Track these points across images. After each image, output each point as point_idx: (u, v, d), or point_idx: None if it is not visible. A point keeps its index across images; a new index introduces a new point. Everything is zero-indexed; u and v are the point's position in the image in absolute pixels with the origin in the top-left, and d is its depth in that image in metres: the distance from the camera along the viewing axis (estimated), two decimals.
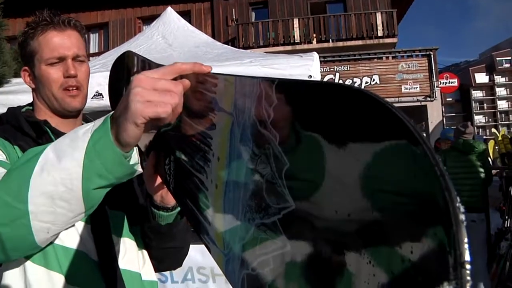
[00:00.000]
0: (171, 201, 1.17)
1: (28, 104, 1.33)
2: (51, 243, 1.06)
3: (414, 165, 0.37)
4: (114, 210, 1.26)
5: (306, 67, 3.20)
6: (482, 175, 5.08)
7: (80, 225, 1.18)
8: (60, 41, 1.23)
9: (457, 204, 0.33)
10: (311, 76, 3.13)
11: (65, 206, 0.79)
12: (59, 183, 0.76)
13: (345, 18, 17.07)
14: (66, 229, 1.03)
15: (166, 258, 1.36)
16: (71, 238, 1.15)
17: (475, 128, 48.61)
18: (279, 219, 0.59)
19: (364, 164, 0.42)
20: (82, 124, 1.30)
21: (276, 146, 0.58)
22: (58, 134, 1.20)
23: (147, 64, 1.12)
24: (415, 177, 0.37)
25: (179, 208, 1.20)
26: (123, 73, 1.40)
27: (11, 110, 1.28)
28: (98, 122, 0.77)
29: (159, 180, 1.18)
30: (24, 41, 1.25)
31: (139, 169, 0.96)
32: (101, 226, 1.22)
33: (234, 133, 0.70)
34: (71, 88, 1.24)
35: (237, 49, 5.25)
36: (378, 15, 16.92)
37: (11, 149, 1.12)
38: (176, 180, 1.06)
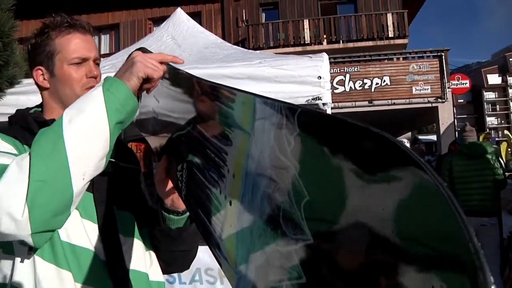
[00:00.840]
0: (181, 205, 1.21)
1: (37, 106, 1.33)
2: (60, 240, 1.09)
3: (444, 227, 0.36)
4: (121, 211, 1.27)
5: (315, 68, 3.18)
6: (492, 177, 5.00)
7: (88, 224, 1.19)
8: (84, 44, 1.27)
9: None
10: (320, 77, 3.11)
11: (96, 145, 0.94)
12: (90, 125, 0.93)
13: (356, 19, 17.02)
14: (74, 227, 1.11)
15: (175, 261, 1.37)
16: (79, 237, 1.16)
17: (487, 130, 48.11)
18: (295, 250, 0.57)
19: (389, 209, 0.41)
20: None
21: (296, 176, 0.57)
22: None
23: None
24: (445, 239, 0.36)
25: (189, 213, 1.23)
26: None
27: (19, 111, 1.29)
28: (100, 83, 1.00)
29: (170, 184, 1.23)
30: (43, 41, 1.25)
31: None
32: (109, 226, 1.23)
33: (252, 154, 0.70)
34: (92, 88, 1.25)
35: (246, 50, 5.24)
36: (389, 16, 16.84)
37: (21, 147, 1.12)
38: (188, 188, 1.06)
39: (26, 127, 1.20)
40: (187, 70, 3.51)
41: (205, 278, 3.47)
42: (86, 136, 0.92)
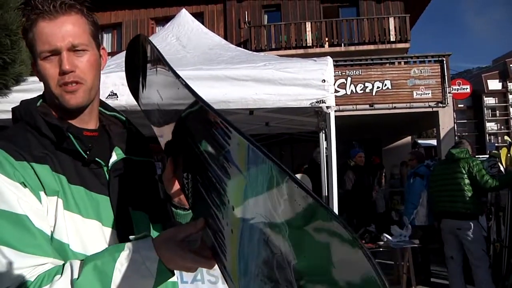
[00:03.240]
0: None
1: (39, 96, 1.22)
2: (73, 252, 1.05)
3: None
4: (136, 211, 1.24)
5: (320, 71, 3.20)
6: (463, 181, 5.19)
7: (107, 232, 1.13)
8: (50, 31, 1.08)
9: None
10: (324, 81, 3.14)
11: None
12: None
13: (358, 23, 17.06)
14: (92, 237, 1.09)
15: None
16: (96, 247, 1.09)
17: (487, 135, 48.11)
18: None
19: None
20: (101, 118, 1.26)
21: (286, 237, 0.60)
22: (81, 139, 1.14)
23: (159, 57, 1.14)
24: None
25: None
26: (139, 57, 1.39)
27: (24, 104, 1.18)
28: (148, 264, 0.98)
29: (177, 185, 1.18)
30: (24, 34, 1.13)
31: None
32: (126, 231, 1.16)
33: (248, 196, 0.71)
34: (68, 83, 1.11)
35: (250, 51, 5.27)
36: (391, 20, 16.90)
37: (28, 173, 1.04)
38: (194, 200, 1.07)
39: (34, 126, 1.11)
40: (192, 71, 3.53)
41: (207, 277, 3.49)
42: None
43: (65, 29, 1.09)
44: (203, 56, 4.35)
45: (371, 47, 16.52)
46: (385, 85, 12.15)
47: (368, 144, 14.35)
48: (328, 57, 3.35)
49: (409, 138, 17.13)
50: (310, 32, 16.85)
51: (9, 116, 3.78)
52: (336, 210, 3.26)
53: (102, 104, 1.30)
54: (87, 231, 1.09)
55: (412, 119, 13.57)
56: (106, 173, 1.17)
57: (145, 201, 1.27)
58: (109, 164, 1.17)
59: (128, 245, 0.99)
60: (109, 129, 1.26)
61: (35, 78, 3.93)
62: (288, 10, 18.10)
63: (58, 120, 1.14)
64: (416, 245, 5.79)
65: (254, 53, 5.30)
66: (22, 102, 1.20)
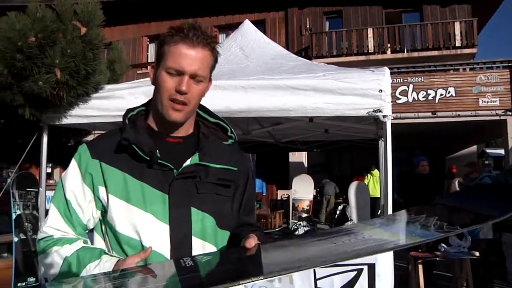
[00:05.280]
0: None
1: (142, 104, 1.47)
2: (123, 237, 1.33)
3: None
4: (201, 212, 1.37)
5: (377, 81, 3.31)
6: None
7: (159, 225, 1.32)
8: (185, 56, 1.30)
9: None
10: (381, 90, 3.24)
11: None
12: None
13: (421, 28, 16.66)
14: (147, 229, 1.33)
15: None
16: (148, 239, 1.31)
17: None
18: None
19: None
20: (201, 125, 1.48)
21: None
22: (160, 146, 1.34)
23: None
24: None
25: None
26: None
27: (124, 113, 1.42)
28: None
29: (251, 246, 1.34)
30: (160, 43, 1.36)
31: None
32: (181, 228, 1.34)
33: None
34: (177, 102, 1.32)
35: (311, 61, 5.43)
36: (457, 25, 16.33)
37: (96, 169, 1.35)
38: None
39: (132, 150, 1.34)
40: (254, 81, 3.79)
41: None
42: None
43: (195, 59, 1.31)
44: (265, 66, 4.55)
45: (435, 53, 16.07)
46: (449, 92, 11.85)
47: (430, 153, 14.00)
48: (386, 67, 3.45)
49: (474, 148, 16.50)
50: (372, 39, 16.67)
51: (89, 120, 4.20)
52: None
53: (208, 112, 1.51)
54: (140, 221, 1.32)
55: (477, 128, 13.11)
56: (174, 174, 1.35)
57: (215, 206, 1.39)
58: (181, 168, 1.35)
59: (103, 257, 1.28)
60: (203, 136, 1.46)
61: (112, 86, 4.33)
62: (350, 16, 18.00)
63: (138, 132, 1.36)
64: (475, 257, 5.67)
65: (315, 63, 5.45)
66: (128, 109, 1.45)
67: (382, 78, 3.32)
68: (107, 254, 1.32)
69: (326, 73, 3.64)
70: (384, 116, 3.28)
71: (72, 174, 1.38)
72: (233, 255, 1.32)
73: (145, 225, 1.32)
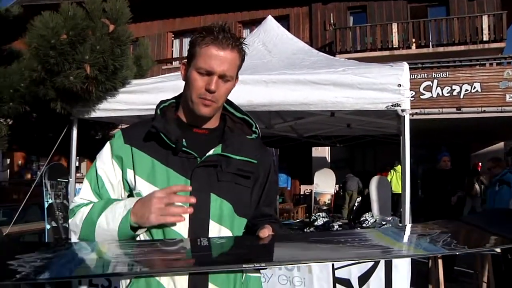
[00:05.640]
0: None
1: (174, 97, 1.60)
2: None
3: None
4: (220, 198, 1.46)
5: (396, 76, 3.36)
6: None
7: (178, 208, 1.38)
8: (214, 57, 1.41)
9: None
10: (400, 85, 3.30)
11: (108, 237, 1.45)
12: (107, 234, 1.44)
13: (447, 22, 16.37)
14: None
15: None
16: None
17: None
18: None
19: None
20: (228, 119, 1.61)
21: None
22: (186, 136, 1.48)
23: None
24: None
25: None
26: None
27: (157, 105, 1.56)
28: (127, 207, 1.41)
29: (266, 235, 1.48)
30: (191, 43, 1.47)
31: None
32: (199, 211, 1.43)
33: None
34: (207, 99, 1.44)
35: (332, 57, 5.48)
36: (485, 18, 15.94)
37: (127, 154, 1.50)
38: None
39: (159, 137, 1.47)
40: (276, 75, 3.89)
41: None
42: (103, 235, 1.46)
43: (224, 60, 1.42)
44: (287, 61, 4.64)
45: (461, 47, 15.77)
46: (474, 87, 11.66)
47: (455, 149, 13.83)
48: (405, 62, 3.50)
49: (501, 144, 16.19)
50: (396, 33, 16.48)
51: (116, 114, 4.37)
52: (407, 213, 3.38)
53: (235, 107, 1.64)
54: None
55: (504, 124, 12.86)
56: (197, 162, 1.47)
57: (234, 194, 1.49)
58: (204, 156, 1.47)
59: (127, 198, 1.50)
60: (228, 129, 1.58)
61: (138, 81, 4.49)
62: (374, 11, 17.83)
63: (167, 122, 1.51)
64: (496, 253, 5.64)
65: (336, 58, 5.51)
66: (160, 101, 1.60)
67: (401, 73, 3.37)
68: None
69: (346, 68, 3.71)
70: (402, 110, 3.34)
71: (106, 155, 1.54)
72: (246, 242, 1.46)
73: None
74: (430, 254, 1.36)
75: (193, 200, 1.36)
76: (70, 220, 1.54)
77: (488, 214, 2.25)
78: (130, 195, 1.52)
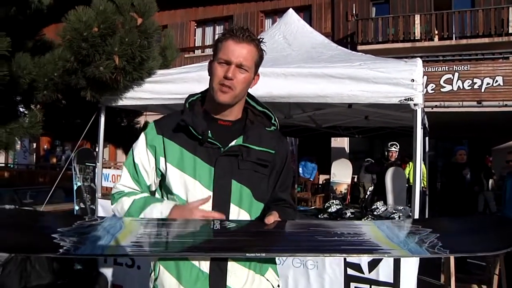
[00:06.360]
0: None
1: (202, 91, 1.77)
2: (178, 197, 1.66)
3: None
4: (240, 184, 1.64)
5: (409, 71, 3.48)
6: None
7: (205, 191, 1.62)
8: (232, 49, 1.59)
9: None
10: (413, 80, 3.42)
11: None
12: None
13: (472, 14, 16.07)
14: (193, 193, 1.66)
15: None
16: (195, 198, 1.62)
17: None
18: None
19: None
20: (249, 112, 1.78)
21: None
22: (211, 127, 1.65)
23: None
24: None
25: None
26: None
27: (186, 98, 1.74)
28: (163, 214, 1.63)
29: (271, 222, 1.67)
30: (215, 42, 1.66)
31: None
32: (222, 195, 1.62)
33: None
34: (225, 85, 1.59)
35: (350, 51, 5.59)
36: (511, 10, 15.60)
37: (159, 143, 1.68)
38: None
39: (187, 129, 1.64)
40: (294, 68, 4.09)
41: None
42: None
43: (241, 52, 1.60)
44: (306, 54, 4.77)
45: (485, 40, 15.45)
46: (496, 81, 11.57)
47: (476, 143, 13.74)
48: (418, 59, 3.61)
49: None
50: (418, 25, 16.27)
51: (142, 102, 4.61)
52: (417, 205, 3.51)
53: (256, 101, 1.81)
54: (190, 187, 1.66)
55: None
56: (221, 152, 1.64)
57: (252, 180, 1.66)
58: (227, 147, 1.65)
59: (165, 200, 1.71)
60: (249, 122, 1.74)
61: (163, 71, 4.74)
62: (397, 2, 17.60)
63: (195, 115, 1.67)
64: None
65: (353, 52, 5.60)
66: (189, 95, 1.78)
67: (415, 68, 3.49)
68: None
69: (362, 63, 3.83)
70: (415, 105, 3.46)
71: (141, 144, 1.74)
72: (253, 228, 1.63)
73: (193, 190, 1.65)
74: (412, 256, 1.47)
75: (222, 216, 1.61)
76: (112, 206, 1.75)
77: (482, 218, 2.32)
78: (162, 180, 1.73)
